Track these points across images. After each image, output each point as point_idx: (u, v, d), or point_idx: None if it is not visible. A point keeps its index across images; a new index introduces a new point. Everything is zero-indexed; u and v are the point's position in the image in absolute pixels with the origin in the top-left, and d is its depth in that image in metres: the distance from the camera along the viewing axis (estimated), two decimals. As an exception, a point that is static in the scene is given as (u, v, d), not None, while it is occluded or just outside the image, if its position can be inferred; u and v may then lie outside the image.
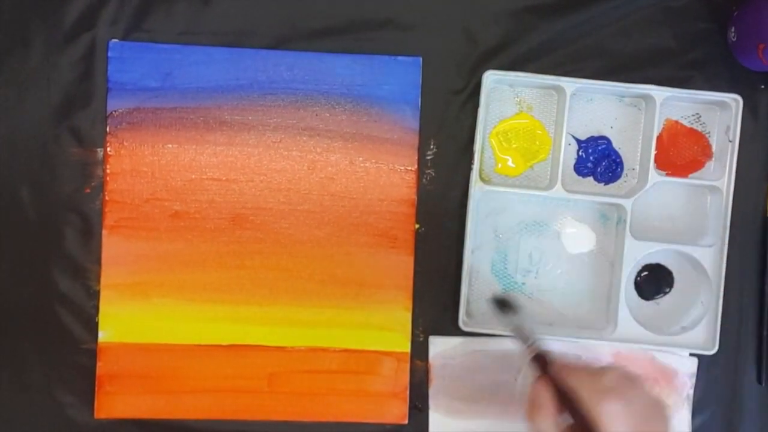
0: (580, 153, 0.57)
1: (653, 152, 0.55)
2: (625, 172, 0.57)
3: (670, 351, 0.56)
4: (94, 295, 0.55)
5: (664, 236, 0.56)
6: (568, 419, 0.41)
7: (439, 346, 0.56)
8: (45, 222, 0.55)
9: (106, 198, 0.55)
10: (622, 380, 0.42)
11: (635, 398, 0.41)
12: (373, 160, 0.56)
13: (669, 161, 0.57)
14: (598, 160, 0.57)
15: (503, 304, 0.51)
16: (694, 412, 0.57)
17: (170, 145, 0.55)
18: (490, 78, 0.54)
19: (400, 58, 0.55)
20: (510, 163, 0.56)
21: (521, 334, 0.48)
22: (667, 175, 0.56)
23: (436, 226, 0.56)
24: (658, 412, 0.42)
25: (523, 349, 0.47)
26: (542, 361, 0.45)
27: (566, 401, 0.41)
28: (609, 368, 0.43)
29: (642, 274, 0.57)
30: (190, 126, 0.55)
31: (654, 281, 0.57)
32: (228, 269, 0.55)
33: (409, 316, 0.56)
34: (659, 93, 0.55)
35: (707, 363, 0.57)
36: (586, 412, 0.40)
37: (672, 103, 0.56)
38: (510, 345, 0.56)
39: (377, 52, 0.55)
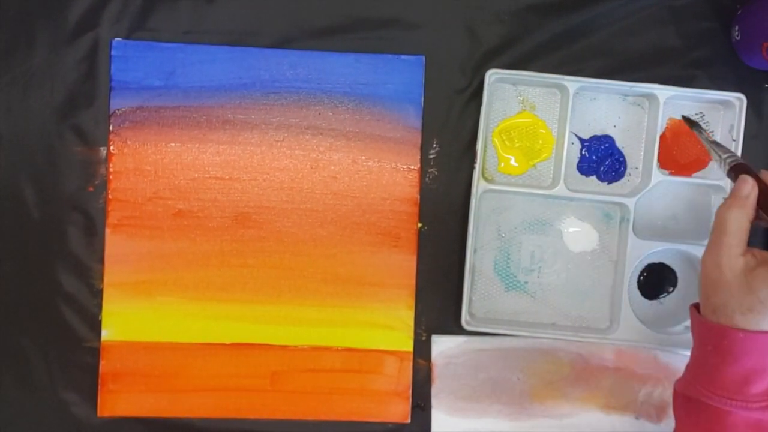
0: (583, 152, 0.57)
1: (656, 151, 0.55)
2: (628, 171, 0.57)
3: (672, 350, 0.56)
4: (98, 294, 0.55)
5: (667, 235, 0.56)
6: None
7: (441, 345, 0.56)
8: (48, 220, 0.55)
9: (110, 196, 0.55)
10: None
11: None
12: (376, 159, 0.56)
13: (672, 160, 0.57)
14: (601, 159, 0.57)
15: (691, 123, 0.53)
16: (697, 412, 0.57)
17: (173, 144, 0.55)
18: (493, 77, 0.54)
19: (403, 57, 0.55)
20: (513, 162, 0.56)
21: (718, 147, 0.49)
22: (671, 174, 0.56)
23: (438, 225, 0.56)
24: None
25: (720, 160, 0.48)
26: (743, 169, 0.46)
27: None
28: None
29: (645, 274, 0.57)
30: (193, 125, 0.55)
31: (657, 280, 0.57)
32: (231, 268, 0.55)
33: (411, 315, 0.56)
34: (663, 92, 0.55)
35: (710, 362, 0.57)
36: None
37: (675, 102, 0.56)
38: (512, 343, 0.56)
39: (380, 51, 0.55)
